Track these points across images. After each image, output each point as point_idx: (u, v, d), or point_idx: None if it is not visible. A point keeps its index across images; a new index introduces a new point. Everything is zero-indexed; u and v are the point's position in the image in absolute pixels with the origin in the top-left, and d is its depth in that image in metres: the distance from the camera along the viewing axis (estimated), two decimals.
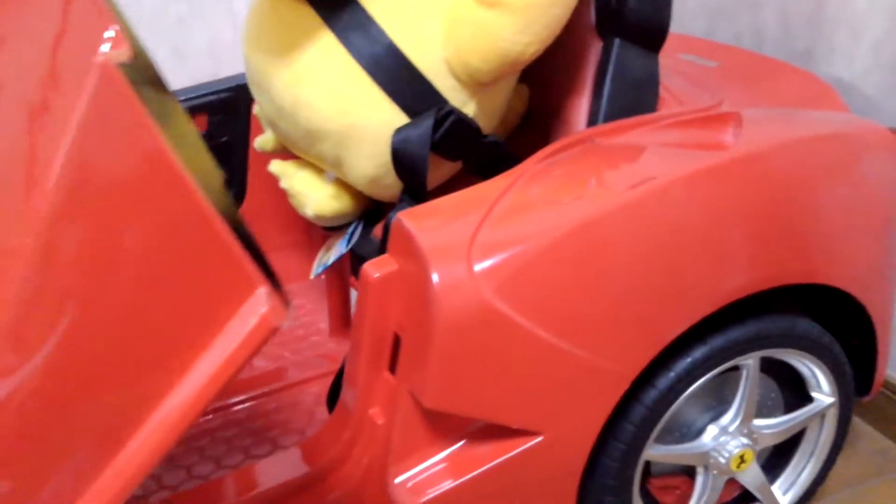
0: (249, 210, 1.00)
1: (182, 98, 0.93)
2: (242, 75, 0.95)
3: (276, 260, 1.02)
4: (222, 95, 0.94)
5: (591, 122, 0.68)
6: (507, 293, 0.51)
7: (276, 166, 0.77)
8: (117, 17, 0.36)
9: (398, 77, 0.62)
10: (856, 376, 0.74)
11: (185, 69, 1.12)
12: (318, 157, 0.69)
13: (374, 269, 0.55)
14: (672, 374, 0.60)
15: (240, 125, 0.97)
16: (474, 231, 0.51)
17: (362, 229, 0.76)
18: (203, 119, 0.95)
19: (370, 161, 0.66)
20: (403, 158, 0.63)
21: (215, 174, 0.39)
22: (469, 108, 0.66)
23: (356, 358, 0.57)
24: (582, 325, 0.53)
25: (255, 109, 0.83)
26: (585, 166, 0.57)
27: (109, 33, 0.34)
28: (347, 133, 0.65)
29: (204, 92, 0.94)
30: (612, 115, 0.67)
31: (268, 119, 0.73)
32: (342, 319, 0.92)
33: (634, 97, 0.69)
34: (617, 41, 0.68)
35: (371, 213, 0.77)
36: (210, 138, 0.95)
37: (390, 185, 0.68)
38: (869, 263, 0.63)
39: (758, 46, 0.94)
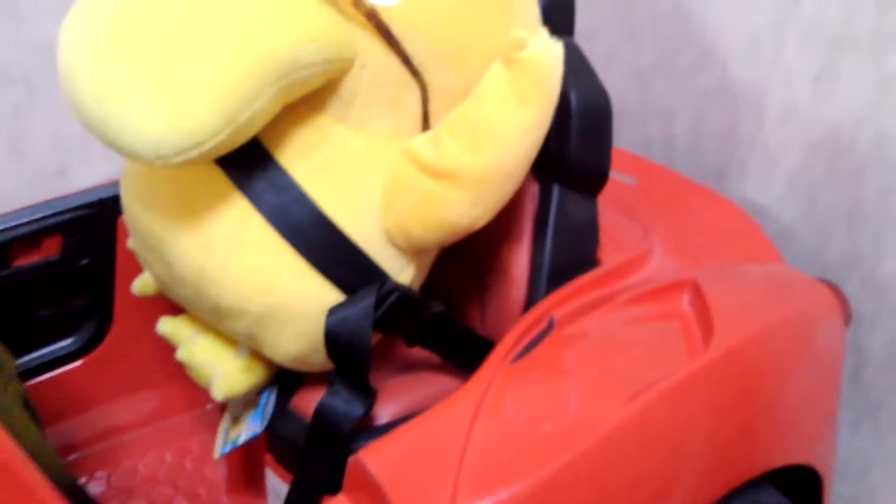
0: (118, 341, 0.85)
1: (32, 218, 0.77)
2: (103, 187, 0.81)
3: (159, 393, 0.88)
4: (80, 213, 0.79)
5: (535, 276, 0.64)
6: None
7: (166, 327, 0.65)
8: None
9: (328, 249, 0.53)
10: None
11: (26, 167, 0.94)
12: (229, 332, 0.58)
13: None
14: None
15: (103, 245, 0.82)
16: (454, 481, 0.44)
17: (276, 398, 0.66)
18: (57, 241, 0.79)
19: (296, 341, 0.56)
20: (340, 341, 0.54)
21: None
22: (406, 275, 0.58)
23: None
24: None
25: (130, 244, 0.70)
26: (560, 372, 0.51)
27: None
28: (268, 313, 0.54)
29: (58, 210, 0.78)
30: (556, 268, 0.63)
31: (159, 280, 0.61)
32: (245, 488, 0.80)
33: (577, 246, 0.65)
34: (557, 187, 0.64)
35: (284, 376, 0.66)
36: (66, 263, 0.80)
37: (319, 363, 0.58)
38: (823, 433, 0.63)
39: (668, 157, 0.94)
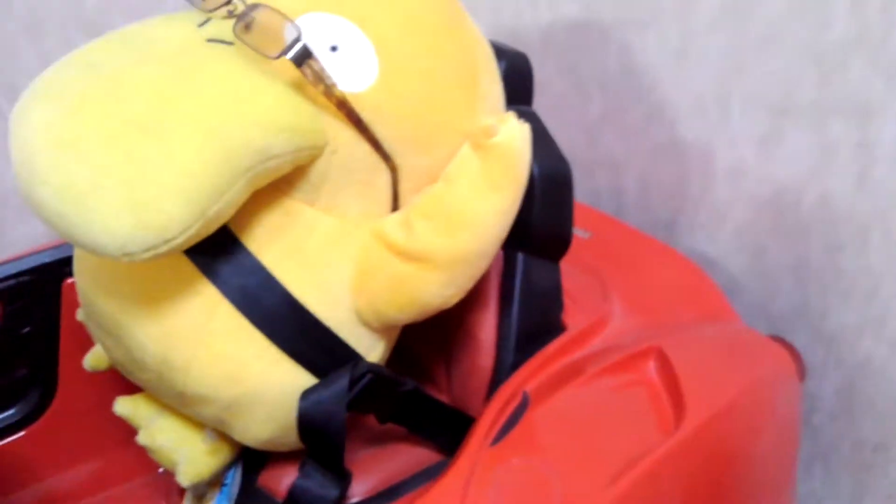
0: (63, 410, 0.81)
1: None
2: (45, 251, 0.77)
3: (108, 458, 0.84)
4: (21, 279, 0.76)
5: (503, 342, 0.64)
6: None
7: (124, 408, 0.62)
8: None
9: (299, 333, 0.52)
10: None
11: None
12: (195, 416, 0.56)
13: None
14: None
15: (45, 312, 0.78)
16: None
17: (242, 476, 0.64)
18: None
19: (266, 425, 0.54)
20: (313, 424, 0.53)
21: None
22: (377, 352, 0.57)
23: None
24: None
25: (81, 317, 0.66)
26: (540, 456, 0.51)
27: None
28: (237, 400, 0.52)
29: None
30: (523, 334, 0.63)
31: (116, 362, 0.58)
32: None
33: (543, 311, 0.66)
34: (521, 255, 0.64)
35: (249, 453, 0.64)
36: (8, 331, 0.76)
37: (290, 444, 0.57)
38: (787, 488, 0.65)
39: (618, 209, 0.96)
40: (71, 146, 0.41)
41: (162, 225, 0.42)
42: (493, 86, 0.57)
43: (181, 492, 0.82)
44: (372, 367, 0.55)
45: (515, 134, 0.51)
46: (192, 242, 0.45)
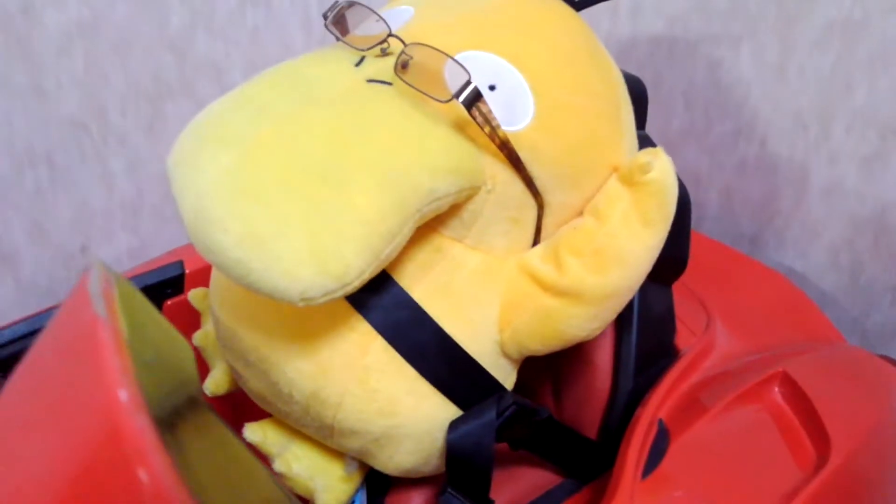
0: None
1: None
2: (148, 275, 0.78)
3: None
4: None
5: (622, 366, 0.64)
6: None
7: (255, 435, 0.62)
8: None
9: (448, 366, 0.52)
10: None
11: (48, 248, 0.90)
12: (337, 447, 0.57)
13: None
14: None
15: None
16: None
17: (368, 498, 0.64)
18: None
19: (411, 456, 0.55)
20: (462, 455, 0.53)
21: None
22: (511, 380, 0.57)
23: None
24: None
25: (197, 341, 0.67)
26: (695, 493, 0.51)
27: None
28: (387, 433, 0.53)
29: None
30: (642, 358, 0.64)
31: (253, 393, 0.58)
32: None
33: (658, 335, 0.66)
34: None
35: (373, 474, 0.65)
36: None
37: (428, 472, 0.57)
38: None
39: (697, 222, 0.96)
40: (251, 194, 0.41)
41: (342, 272, 0.42)
42: (630, 115, 0.57)
43: None
44: (516, 399, 0.55)
45: (668, 169, 0.51)
46: (362, 285, 0.46)
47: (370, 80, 0.47)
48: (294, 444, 0.60)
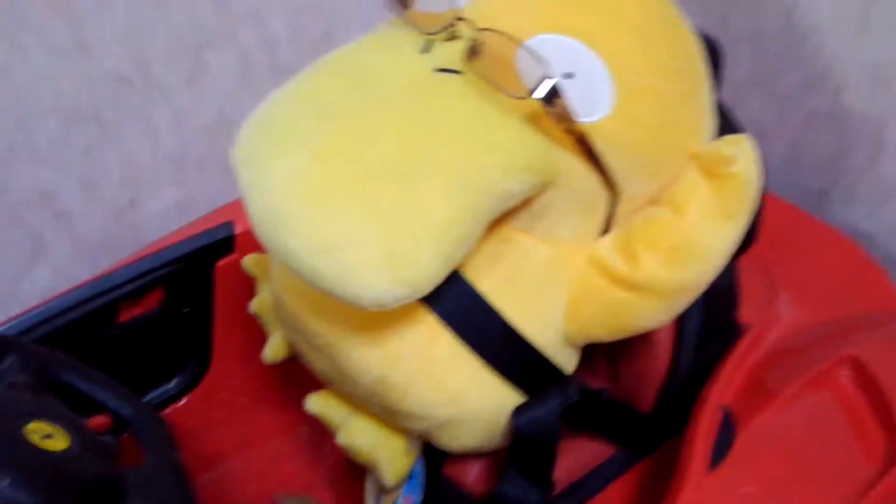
0: (215, 379, 0.85)
1: (135, 274, 0.75)
2: (200, 235, 0.78)
3: (253, 425, 0.90)
4: (176, 267, 0.77)
5: (683, 341, 0.62)
6: None
7: (316, 406, 0.62)
8: None
9: (514, 358, 0.52)
10: None
11: (100, 203, 0.90)
12: (401, 428, 0.57)
13: None
14: None
15: (201, 292, 0.81)
16: None
17: (427, 467, 0.66)
18: (158, 294, 0.78)
19: (474, 438, 0.55)
20: (528, 440, 0.54)
21: None
22: (573, 362, 0.57)
23: None
24: None
25: (253, 308, 0.68)
26: (766, 488, 0.50)
27: None
28: (451, 420, 0.53)
29: (159, 264, 0.76)
30: (704, 334, 0.62)
31: (319, 372, 0.58)
32: None
33: (720, 310, 0.64)
34: None
35: (430, 445, 0.66)
36: (169, 312, 0.79)
37: (489, 449, 0.58)
38: None
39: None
40: (323, 199, 0.40)
41: (416, 279, 0.41)
42: (710, 91, 0.53)
43: (317, 444, 0.89)
44: (581, 385, 0.55)
45: (753, 160, 0.48)
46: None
47: (437, 70, 0.44)
48: (356, 416, 0.61)
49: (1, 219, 0.84)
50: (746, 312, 0.66)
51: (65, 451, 0.47)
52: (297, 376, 0.66)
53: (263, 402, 0.91)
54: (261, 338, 0.67)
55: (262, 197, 0.41)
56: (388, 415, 0.56)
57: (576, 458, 0.65)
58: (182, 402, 0.83)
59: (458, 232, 0.42)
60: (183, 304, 0.80)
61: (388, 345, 0.50)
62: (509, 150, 0.43)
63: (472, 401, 0.52)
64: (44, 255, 0.88)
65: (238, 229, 0.79)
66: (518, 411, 0.53)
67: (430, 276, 0.42)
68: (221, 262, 0.80)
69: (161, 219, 0.97)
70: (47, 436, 0.47)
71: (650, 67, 0.47)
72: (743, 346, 0.62)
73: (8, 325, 0.69)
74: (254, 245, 0.56)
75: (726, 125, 0.57)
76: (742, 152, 0.48)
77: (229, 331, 0.84)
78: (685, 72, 0.50)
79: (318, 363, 0.56)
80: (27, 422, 0.47)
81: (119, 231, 0.93)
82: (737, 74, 0.90)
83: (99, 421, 0.58)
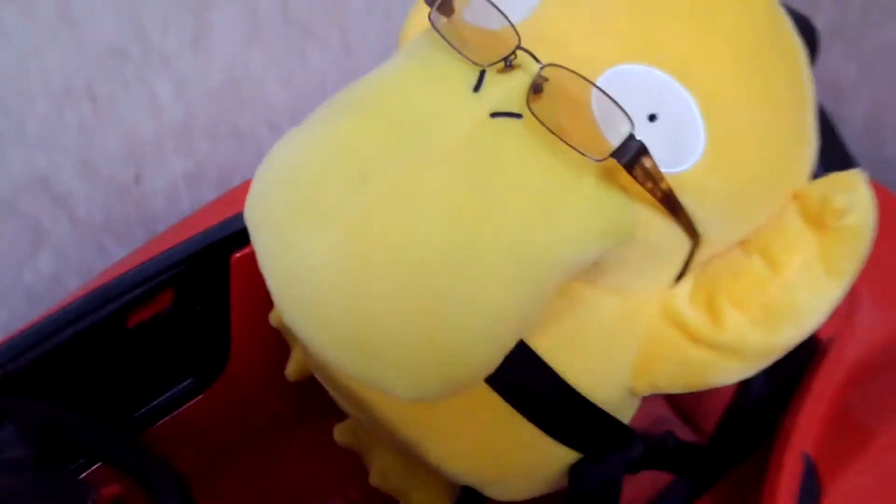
0: (234, 373, 0.81)
1: (144, 277, 0.69)
2: (213, 230, 0.72)
3: (272, 415, 0.86)
4: (191, 263, 0.72)
5: None
6: None
7: (344, 437, 0.58)
8: None
9: (572, 420, 0.46)
10: None
11: (100, 182, 0.82)
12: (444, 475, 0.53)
13: None
14: None
15: (216, 286, 0.75)
16: None
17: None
18: (169, 295, 0.72)
19: (524, 492, 0.51)
20: (588, 496, 0.49)
21: None
22: (635, 408, 0.51)
23: None
24: None
25: (275, 320, 0.62)
26: None
27: None
28: (500, 479, 0.48)
29: (166, 266, 0.70)
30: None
31: (351, 414, 0.53)
32: None
33: None
34: None
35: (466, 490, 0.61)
36: (181, 312, 0.74)
37: (537, 496, 0.53)
38: None
39: None
40: (359, 290, 0.33)
41: (466, 377, 0.35)
42: (814, 109, 0.43)
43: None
44: (644, 440, 0.49)
45: (870, 211, 0.39)
46: None
47: (495, 114, 0.35)
48: (387, 451, 0.57)
49: None
50: (824, 325, 0.60)
51: None
52: (329, 404, 0.61)
53: (280, 391, 0.88)
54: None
55: (286, 276, 0.34)
56: (432, 468, 0.51)
57: (634, 487, 0.61)
58: (200, 397, 0.79)
59: (520, 318, 0.35)
60: (195, 302, 0.74)
61: (427, 409, 0.44)
62: (583, 216, 0.35)
63: (523, 464, 0.47)
64: (45, 243, 0.82)
65: None
66: (576, 470, 0.48)
67: (484, 371, 0.35)
68: (238, 255, 0.74)
69: (169, 191, 0.89)
70: None
71: (750, 97, 0.38)
72: (823, 371, 0.55)
73: (10, 343, 0.64)
74: None
75: (827, 139, 0.48)
76: (857, 201, 0.39)
77: (246, 325, 0.79)
78: (790, 94, 0.41)
79: (353, 410, 0.52)
80: None
81: (123, 210, 0.86)
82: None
83: (110, 491, 0.53)
